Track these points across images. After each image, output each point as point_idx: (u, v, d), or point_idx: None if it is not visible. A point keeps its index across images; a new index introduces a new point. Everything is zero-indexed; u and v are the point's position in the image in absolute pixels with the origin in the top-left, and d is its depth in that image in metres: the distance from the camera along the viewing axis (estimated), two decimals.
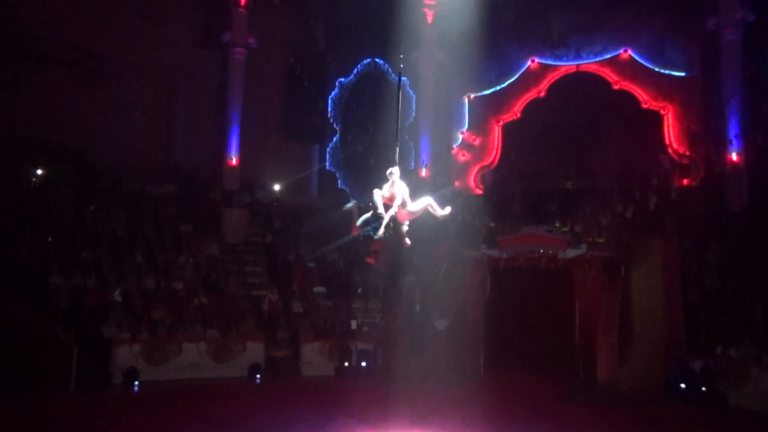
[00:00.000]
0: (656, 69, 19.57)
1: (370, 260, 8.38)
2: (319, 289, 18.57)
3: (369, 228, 7.86)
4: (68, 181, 17.77)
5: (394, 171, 8.12)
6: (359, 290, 18.57)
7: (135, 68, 19.10)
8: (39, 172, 17.65)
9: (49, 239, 15.81)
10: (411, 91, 22.01)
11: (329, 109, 22.33)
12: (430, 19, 20.90)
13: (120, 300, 15.03)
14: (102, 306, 14.67)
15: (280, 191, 21.30)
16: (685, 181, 18.84)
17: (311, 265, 19.20)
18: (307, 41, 22.18)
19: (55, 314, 13.89)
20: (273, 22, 21.43)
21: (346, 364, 15.84)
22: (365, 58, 22.23)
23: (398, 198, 7.96)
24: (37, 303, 14.01)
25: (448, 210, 8.37)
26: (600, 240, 17.22)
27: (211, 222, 19.25)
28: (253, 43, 20.97)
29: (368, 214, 7.95)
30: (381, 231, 7.69)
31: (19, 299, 13.91)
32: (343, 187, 22.27)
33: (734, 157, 17.85)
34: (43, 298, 14.22)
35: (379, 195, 7.97)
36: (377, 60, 22.13)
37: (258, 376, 14.91)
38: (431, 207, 8.20)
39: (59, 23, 17.93)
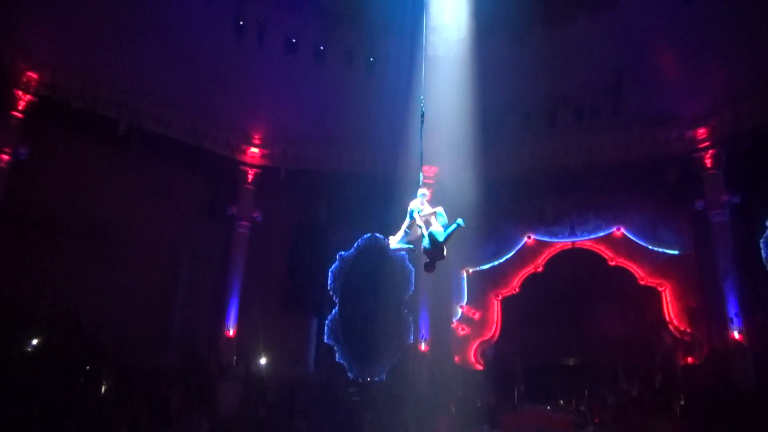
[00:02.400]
0: (650, 247, 20.07)
1: (429, 270, 9.45)
2: None
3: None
4: (60, 350, 17.38)
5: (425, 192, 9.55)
6: None
7: (140, 240, 19.45)
8: (32, 340, 17.34)
9: (32, 410, 15.13)
10: (410, 265, 22.32)
11: (329, 282, 22.46)
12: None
13: None
14: None
15: (276, 363, 20.80)
16: (689, 359, 18.56)
17: None
18: (310, 216, 22.89)
19: None
20: (277, 197, 22.26)
21: None
22: (366, 233, 22.78)
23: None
24: None
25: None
26: (607, 420, 16.64)
27: (204, 395, 18.57)
28: (258, 217, 21.63)
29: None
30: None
31: None
32: (341, 361, 21.77)
33: (736, 335, 17.68)
34: None
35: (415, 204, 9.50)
36: (377, 235, 22.68)
37: None
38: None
39: (67, 194, 18.46)
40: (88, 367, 17.31)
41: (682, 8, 16.94)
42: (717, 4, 16.65)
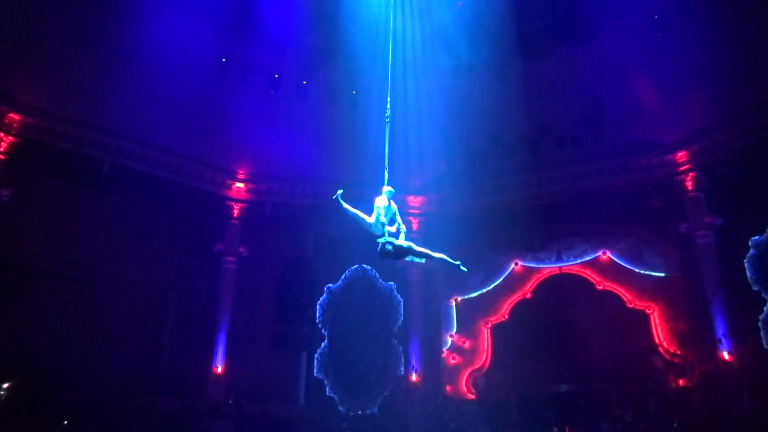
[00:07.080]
0: (637, 270, 20.17)
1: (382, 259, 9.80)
2: None
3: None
4: (41, 396, 16.96)
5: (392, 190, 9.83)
6: None
7: (126, 280, 19.29)
8: (7, 385, 16.92)
9: None
10: (399, 296, 22.25)
11: (318, 315, 22.27)
12: (415, 226, 21.73)
13: None
14: None
15: (267, 400, 20.50)
16: (681, 382, 18.52)
17: None
18: (296, 249, 22.77)
19: None
20: (263, 232, 22.19)
21: None
22: (353, 265, 22.69)
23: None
24: None
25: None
26: None
27: None
28: (244, 252, 21.49)
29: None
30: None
31: None
32: (332, 395, 21.50)
33: (726, 356, 17.67)
34: None
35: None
36: (365, 266, 22.59)
37: None
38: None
39: (51, 236, 18.32)
40: (71, 412, 16.93)
41: (657, 40, 17.30)
42: (690, 36, 17.02)
